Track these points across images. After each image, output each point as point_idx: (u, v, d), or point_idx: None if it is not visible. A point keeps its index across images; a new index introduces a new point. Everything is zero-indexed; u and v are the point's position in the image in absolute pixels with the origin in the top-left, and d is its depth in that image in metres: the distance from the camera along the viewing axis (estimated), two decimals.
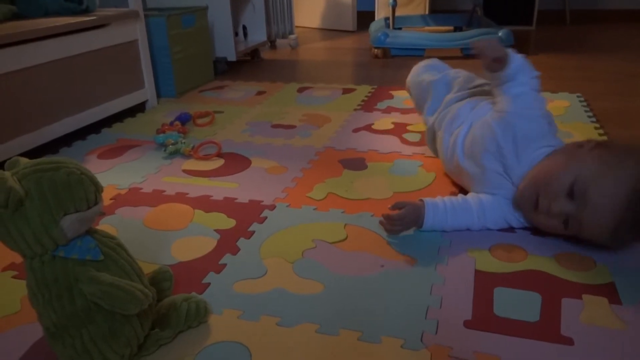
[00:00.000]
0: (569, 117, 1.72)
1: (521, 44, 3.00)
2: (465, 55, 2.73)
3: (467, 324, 0.79)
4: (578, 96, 1.95)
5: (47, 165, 0.65)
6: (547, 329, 0.78)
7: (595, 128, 1.60)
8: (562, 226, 0.94)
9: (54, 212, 0.63)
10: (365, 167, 1.37)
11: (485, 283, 0.89)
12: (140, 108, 1.97)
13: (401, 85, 2.22)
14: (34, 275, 0.66)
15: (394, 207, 1.03)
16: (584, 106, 1.82)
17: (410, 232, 1.05)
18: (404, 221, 1.02)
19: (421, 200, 1.04)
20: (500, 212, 1.04)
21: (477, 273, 0.91)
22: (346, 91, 2.15)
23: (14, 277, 0.95)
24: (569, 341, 0.75)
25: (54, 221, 0.63)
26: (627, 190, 0.87)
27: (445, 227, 1.04)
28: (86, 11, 1.80)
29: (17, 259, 0.99)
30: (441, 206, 1.03)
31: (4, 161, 0.83)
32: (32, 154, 1.39)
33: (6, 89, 1.40)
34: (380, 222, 1.04)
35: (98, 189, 0.67)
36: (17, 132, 1.44)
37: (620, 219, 0.87)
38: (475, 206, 1.04)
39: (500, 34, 2.71)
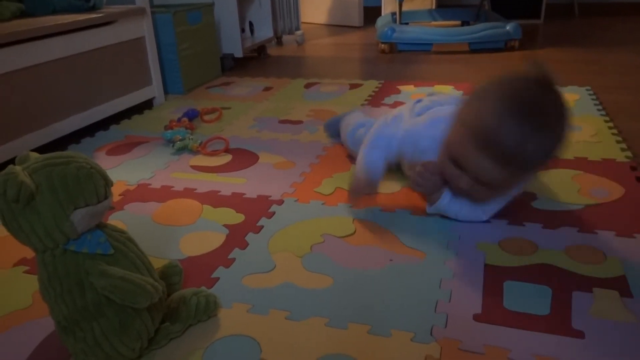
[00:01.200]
0: (578, 110, 1.71)
1: (529, 38, 2.99)
2: (472, 50, 2.72)
3: (477, 318, 0.79)
4: (587, 89, 1.93)
5: (57, 160, 0.65)
6: (558, 322, 0.77)
7: (605, 121, 1.59)
8: (480, 187, 0.95)
9: (65, 206, 0.63)
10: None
11: (494, 277, 0.88)
12: (147, 105, 1.98)
13: (408, 80, 2.21)
14: (46, 269, 0.66)
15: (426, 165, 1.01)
16: (593, 99, 1.81)
17: (419, 226, 1.05)
18: (434, 178, 1.00)
19: None
20: None
21: (487, 267, 0.91)
22: (353, 86, 2.14)
23: (26, 272, 0.96)
24: (579, 334, 0.75)
25: (65, 215, 0.63)
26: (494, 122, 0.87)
27: (459, 215, 1.04)
28: (93, 8, 1.81)
29: (29, 254, 1.00)
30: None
31: (14, 158, 0.84)
32: (41, 150, 1.39)
33: (15, 87, 1.41)
34: (418, 172, 1.01)
35: (108, 183, 0.68)
36: (25, 129, 1.44)
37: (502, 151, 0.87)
38: None
39: (508, 27, 2.70)
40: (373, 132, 1.15)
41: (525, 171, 0.94)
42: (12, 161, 0.68)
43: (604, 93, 1.88)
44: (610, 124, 1.56)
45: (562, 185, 1.19)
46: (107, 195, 0.67)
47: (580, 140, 1.45)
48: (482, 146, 0.89)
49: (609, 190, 1.16)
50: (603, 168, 1.27)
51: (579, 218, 1.06)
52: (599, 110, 1.70)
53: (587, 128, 1.53)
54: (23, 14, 1.76)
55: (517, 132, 0.86)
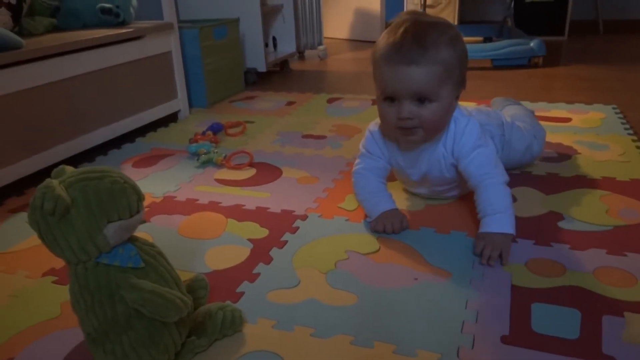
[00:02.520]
0: (605, 129, 1.68)
1: (553, 55, 2.97)
2: (495, 67, 2.71)
3: (505, 340, 0.78)
4: (613, 107, 1.91)
5: (92, 174, 0.66)
6: (588, 346, 0.76)
7: (633, 140, 1.56)
8: (420, 110, 0.98)
9: (99, 220, 0.64)
10: (396, 178, 1.37)
11: (522, 298, 0.87)
12: (172, 118, 2.01)
13: None
14: (77, 281, 0.67)
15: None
16: (620, 118, 1.79)
17: (444, 244, 1.05)
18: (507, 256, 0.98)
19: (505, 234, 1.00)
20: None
21: (514, 288, 0.90)
22: (375, 102, 2.14)
23: (55, 282, 0.98)
24: None
25: (98, 229, 0.65)
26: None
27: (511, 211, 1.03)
28: (122, 24, 1.85)
29: (57, 264, 1.02)
30: (506, 215, 1.02)
31: (45, 169, 0.86)
32: (69, 162, 1.42)
33: (46, 99, 1.44)
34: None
35: (140, 197, 0.69)
36: (55, 141, 1.48)
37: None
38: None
39: (531, 44, 2.68)
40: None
41: (435, 64, 0.95)
42: (43, 172, 0.70)
43: (631, 111, 1.86)
44: (639, 143, 1.53)
45: (589, 206, 1.18)
46: (139, 209, 0.69)
47: (608, 159, 1.43)
48: (389, 58, 0.95)
49: (639, 211, 1.14)
50: (632, 188, 1.25)
51: (607, 239, 1.04)
52: (626, 129, 1.67)
53: (615, 147, 1.51)
54: (55, 29, 1.81)
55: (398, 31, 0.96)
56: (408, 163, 1.13)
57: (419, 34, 0.95)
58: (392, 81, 0.97)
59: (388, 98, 1.00)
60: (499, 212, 1.01)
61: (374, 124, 1.15)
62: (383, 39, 0.99)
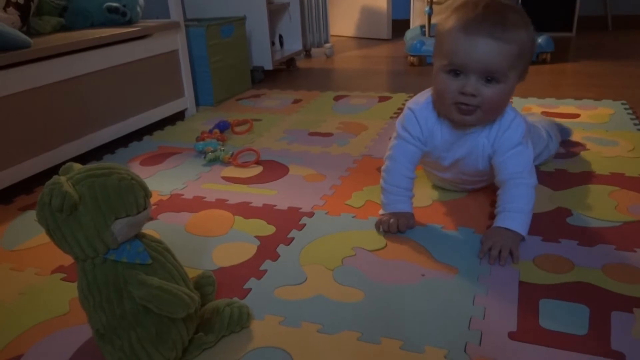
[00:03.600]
0: (614, 125, 1.67)
1: (561, 51, 2.95)
2: None
3: (512, 336, 0.78)
4: (623, 103, 1.89)
5: (99, 171, 0.67)
6: (597, 343, 0.75)
7: None
8: (485, 90, 0.96)
9: (106, 216, 0.65)
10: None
11: (529, 294, 0.87)
12: (179, 116, 2.02)
13: None
14: (86, 277, 0.68)
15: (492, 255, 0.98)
16: (629, 114, 1.77)
17: (451, 241, 1.04)
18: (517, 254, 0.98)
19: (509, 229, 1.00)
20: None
21: (522, 284, 0.89)
22: (382, 99, 2.14)
23: (63, 279, 0.98)
24: (620, 356, 0.73)
25: (106, 225, 0.65)
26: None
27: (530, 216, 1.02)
28: (129, 22, 1.86)
29: (66, 261, 1.02)
30: (524, 216, 1.01)
31: (54, 167, 0.86)
32: (77, 160, 1.43)
33: (54, 98, 1.45)
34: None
35: (147, 194, 0.69)
36: (64, 139, 1.49)
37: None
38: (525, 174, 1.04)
39: (539, 40, 2.67)
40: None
41: (514, 44, 0.94)
42: (51, 170, 0.70)
43: None
44: None
45: (598, 202, 1.17)
46: (146, 205, 0.69)
47: (617, 155, 1.42)
48: (468, 28, 0.93)
49: None
50: None
51: (616, 235, 1.03)
52: (635, 124, 1.66)
53: (624, 143, 1.50)
54: (63, 28, 1.82)
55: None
56: (446, 146, 1.09)
57: (501, 12, 0.94)
58: (465, 52, 0.94)
59: (453, 71, 0.97)
60: (519, 212, 1.01)
61: (415, 103, 1.11)
62: (459, 12, 0.96)
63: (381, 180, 1.13)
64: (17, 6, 1.62)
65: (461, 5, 0.98)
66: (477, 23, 0.93)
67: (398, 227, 1.06)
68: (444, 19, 0.99)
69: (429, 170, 1.25)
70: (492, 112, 1.01)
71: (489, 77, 0.95)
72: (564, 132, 1.51)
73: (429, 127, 1.08)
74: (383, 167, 1.14)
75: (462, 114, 0.99)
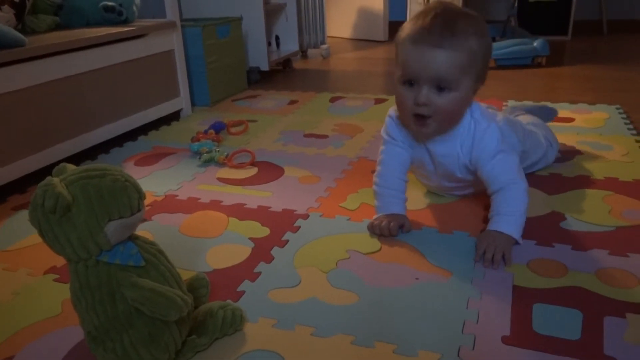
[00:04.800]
0: (608, 129, 1.68)
1: (557, 55, 2.96)
2: (498, 66, 2.70)
3: (505, 340, 0.78)
4: (617, 108, 1.90)
5: (93, 172, 0.66)
6: (589, 347, 0.76)
7: (637, 141, 1.56)
8: (438, 98, 0.97)
9: (99, 218, 0.64)
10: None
11: (523, 298, 0.87)
12: (175, 116, 2.01)
13: None
14: (78, 279, 0.67)
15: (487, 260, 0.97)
16: (623, 118, 1.78)
17: (446, 244, 1.04)
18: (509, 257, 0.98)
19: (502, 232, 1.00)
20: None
21: (515, 288, 0.90)
22: (378, 101, 2.14)
23: (56, 280, 0.98)
24: None
25: (99, 227, 0.65)
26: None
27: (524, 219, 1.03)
28: (125, 22, 1.86)
29: (59, 262, 1.02)
30: (518, 219, 1.02)
31: (48, 166, 0.86)
32: (71, 160, 1.42)
33: (48, 97, 1.45)
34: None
35: (141, 196, 0.69)
36: (57, 138, 1.48)
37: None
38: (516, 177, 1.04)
39: (535, 44, 2.68)
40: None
41: (460, 52, 0.94)
42: (45, 169, 0.70)
43: (635, 112, 1.85)
44: None
45: (592, 206, 1.17)
46: (140, 207, 0.68)
47: (611, 160, 1.42)
48: (416, 39, 0.95)
49: None
50: (635, 189, 1.25)
51: (610, 240, 1.03)
52: (629, 129, 1.67)
53: (618, 148, 1.51)
54: (58, 27, 1.81)
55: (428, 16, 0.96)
56: (423, 149, 1.11)
57: (449, 20, 0.95)
58: (414, 63, 0.95)
59: (407, 82, 0.98)
60: (512, 215, 1.01)
61: (393, 109, 1.13)
62: (411, 22, 0.99)
63: (374, 185, 1.14)
64: (13, 4, 1.61)
65: (415, 15, 1.00)
66: (425, 33, 0.95)
67: (390, 229, 1.06)
68: (400, 29, 1.02)
69: (418, 178, 1.26)
70: (448, 120, 1.02)
71: (440, 86, 0.96)
72: (551, 113, 1.56)
73: (407, 131, 1.11)
74: (375, 173, 1.15)
75: (418, 125, 1.01)
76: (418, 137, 1.09)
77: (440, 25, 0.94)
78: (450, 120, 1.03)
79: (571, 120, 1.79)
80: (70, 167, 0.70)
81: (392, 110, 1.13)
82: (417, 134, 1.07)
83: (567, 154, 1.48)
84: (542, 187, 1.27)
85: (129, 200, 0.67)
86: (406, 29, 0.99)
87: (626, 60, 2.80)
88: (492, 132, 1.05)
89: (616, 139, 1.58)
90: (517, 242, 1.01)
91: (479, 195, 1.22)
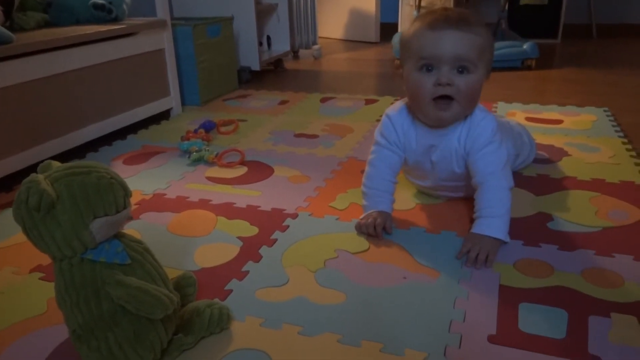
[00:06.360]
0: (596, 131, 1.69)
1: (546, 58, 2.98)
2: None
3: (492, 339, 0.78)
4: (605, 110, 1.92)
5: (78, 169, 0.66)
6: (574, 346, 0.76)
7: (623, 143, 1.57)
8: (459, 80, 0.99)
9: (84, 215, 0.64)
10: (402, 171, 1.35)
11: (509, 298, 0.87)
12: (165, 115, 2.00)
13: None
14: (63, 277, 0.67)
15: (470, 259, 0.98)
16: (611, 121, 1.80)
17: (434, 244, 1.05)
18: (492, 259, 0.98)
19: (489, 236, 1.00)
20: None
21: (502, 288, 0.90)
22: (369, 102, 2.15)
23: (41, 278, 0.97)
24: None
25: (84, 224, 0.64)
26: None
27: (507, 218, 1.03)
28: (115, 20, 1.84)
29: (44, 260, 1.01)
30: (502, 221, 1.02)
31: (35, 165, 0.85)
32: (60, 158, 1.41)
33: (37, 95, 1.43)
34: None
35: (127, 193, 0.68)
36: (46, 137, 1.47)
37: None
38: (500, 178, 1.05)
39: (525, 46, 2.69)
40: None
41: (478, 35, 0.98)
42: (32, 167, 0.69)
43: (622, 115, 1.87)
44: (629, 146, 1.54)
45: (579, 207, 1.18)
46: (126, 205, 0.68)
47: (598, 161, 1.44)
48: (435, 25, 0.98)
49: (628, 213, 1.15)
50: (621, 190, 1.26)
51: (596, 240, 1.04)
52: (617, 131, 1.68)
53: (605, 150, 1.52)
54: (47, 24, 1.80)
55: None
56: (421, 150, 1.11)
57: (461, 13, 1.00)
58: (434, 45, 0.97)
59: (425, 66, 0.99)
60: (496, 217, 1.01)
61: (392, 109, 1.13)
62: (420, 20, 1.02)
63: (362, 187, 1.15)
64: (1, 1, 1.60)
65: (422, 15, 1.04)
66: (442, 20, 0.99)
67: (375, 226, 1.06)
68: (407, 29, 1.05)
69: (411, 180, 1.26)
70: (467, 104, 1.03)
71: (460, 68, 0.98)
72: None
73: (404, 131, 1.11)
74: (364, 174, 1.15)
75: (439, 109, 1.02)
76: (434, 125, 1.07)
77: (455, 16, 0.99)
78: (469, 104, 1.03)
79: (559, 122, 1.80)
80: (56, 164, 0.69)
81: (391, 109, 1.14)
82: (435, 121, 1.05)
83: (555, 155, 1.49)
84: (530, 187, 1.28)
85: (115, 197, 0.66)
86: (416, 25, 1.02)
87: (615, 64, 2.83)
88: (488, 122, 1.06)
89: (603, 141, 1.60)
90: (504, 242, 1.01)
91: (467, 197, 1.23)
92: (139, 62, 1.81)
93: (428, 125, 1.08)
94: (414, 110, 1.09)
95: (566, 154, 1.50)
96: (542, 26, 3.56)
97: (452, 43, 0.97)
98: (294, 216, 1.18)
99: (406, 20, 3.60)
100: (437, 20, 0.98)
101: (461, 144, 1.07)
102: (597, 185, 1.29)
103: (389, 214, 1.11)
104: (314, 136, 1.73)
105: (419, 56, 1.00)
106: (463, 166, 1.10)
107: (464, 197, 1.21)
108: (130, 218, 1.17)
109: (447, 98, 1.00)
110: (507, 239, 1.01)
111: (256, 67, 2.58)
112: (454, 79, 0.98)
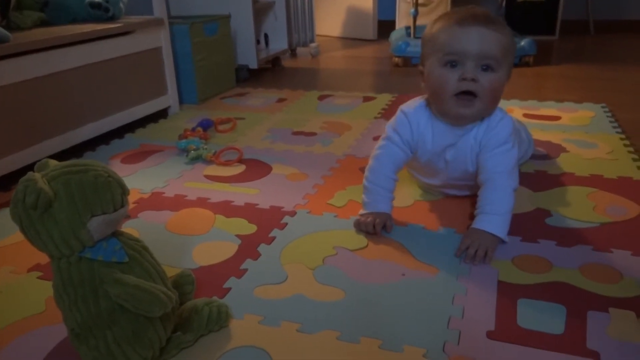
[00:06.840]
0: (593, 127, 1.69)
1: (544, 54, 2.98)
2: None
3: (490, 335, 0.78)
4: (603, 106, 1.92)
5: (75, 168, 0.66)
6: (572, 342, 0.76)
7: (621, 139, 1.57)
8: (483, 78, 0.99)
9: (82, 213, 0.64)
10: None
11: (508, 294, 0.87)
12: (162, 114, 2.00)
13: (422, 94, 2.21)
14: (61, 275, 0.67)
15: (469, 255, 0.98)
16: (609, 117, 1.80)
17: (432, 241, 1.05)
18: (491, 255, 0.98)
19: (488, 232, 1.00)
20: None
21: (500, 284, 0.90)
22: (367, 99, 2.15)
23: (40, 277, 0.97)
24: (595, 355, 0.74)
25: (82, 223, 0.64)
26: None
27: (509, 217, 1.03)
28: (112, 18, 1.84)
29: (43, 259, 1.01)
30: (503, 219, 1.02)
31: (32, 164, 0.85)
32: (57, 157, 1.41)
33: (34, 94, 1.43)
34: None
35: (125, 191, 0.68)
36: (43, 136, 1.46)
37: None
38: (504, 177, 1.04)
39: (522, 43, 2.69)
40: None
41: (504, 35, 0.99)
42: (30, 167, 0.69)
43: (620, 111, 1.87)
44: (627, 142, 1.55)
45: (577, 203, 1.18)
46: (123, 203, 0.68)
47: (595, 157, 1.44)
48: (462, 21, 0.98)
49: (626, 208, 1.15)
50: (619, 186, 1.26)
51: (594, 236, 1.04)
52: (614, 127, 1.68)
53: (603, 145, 1.52)
54: (44, 23, 1.79)
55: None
56: (436, 148, 1.10)
57: (487, 12, 1.01)
58: (461, 41, 0.97)
59: (450, 62, 0.99)
60: (497, 214, 1.01)
61: (407, 106, 1.12)
62: (445, 18, 1.02)
63: (364, 180, 1.13)
64: None
65: (446, 13, 1.04)
66: (470, 17, 0.99)
67: (375, 226, 1.06)
68: (430, 27, 1.05)
69: (416, 176, 1.25)
70: (489, 103, 1.02)
71: (485, 65, 0.98)
72: None
73: (420, 129, 1.09)
74: (367, 166, 1.14)
75: (460, 106, 1.01)
76: (454, 123, 1.06)
77: (483, 14, 0.99)
78: (491, 103, 1.03)
79: (557, 118, 1.80)
80: (53, 162, 0.69)
81: (406, 106, 1.12)
82: (456, 118, 1.05)
83: (553, 151, 1.49)
84: (528, 184, 1.28)
85: (112, 196, 0.66)
86: (441, 22, 1.02)
87: (612, 60, 2.83)
88: (506, 123, 1.06)
89: (601, 137, 1.60)
90: (503, 241, 1.02)
91: (470, 195, 1.23)
92: (136, 60, 1.81)
93: (448, 123, 1.07)
94: (434, 107, 1.08)
95: (564, 150, 1.50)
96: (540, 23, 3.56)
97: (479, 39, 0.97)
98: (292, 214, 1.18)
99: (403, 17, 3.59)
100: (465, 17, 0.99)
101: (477, 141, 1.07)
102: (595, 181, 1.29)
103: (389, 214, 1.10)
104: (312, 134, 1.73)
105: (445, 52, 0.99)
106: (476, 165, 1.09)
107: (465, 195, 1.21)
108: (128, 216, 1.17)
109: (470, 94, 0.99)
110: (506, 239, 1.01)
111: (254, 65, 2.58)
112: (478, 76, 0.98)
